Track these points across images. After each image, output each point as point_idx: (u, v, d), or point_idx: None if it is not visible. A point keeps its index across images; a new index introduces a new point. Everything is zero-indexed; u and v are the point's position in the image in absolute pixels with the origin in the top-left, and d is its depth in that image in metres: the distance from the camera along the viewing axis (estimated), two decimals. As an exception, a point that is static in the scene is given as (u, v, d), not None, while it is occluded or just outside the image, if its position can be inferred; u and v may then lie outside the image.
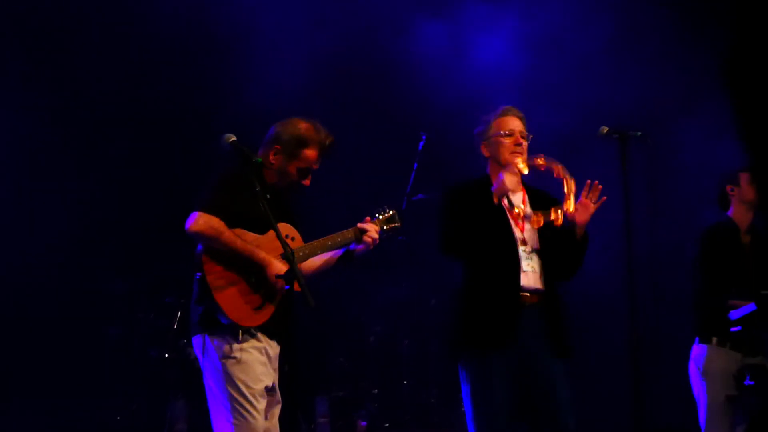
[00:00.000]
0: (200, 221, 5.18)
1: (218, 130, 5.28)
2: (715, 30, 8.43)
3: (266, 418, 5.32)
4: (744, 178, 6.91)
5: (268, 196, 5.23)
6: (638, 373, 5.59)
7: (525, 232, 5.67)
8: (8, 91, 9.12)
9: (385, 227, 5.70)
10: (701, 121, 8.89)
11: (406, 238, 9.59)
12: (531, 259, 5.63)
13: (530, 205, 5.75)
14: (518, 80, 9.31)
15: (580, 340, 5.85)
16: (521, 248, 5.62)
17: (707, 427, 6.74)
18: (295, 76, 9.57)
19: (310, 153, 5.40)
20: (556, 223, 5.60)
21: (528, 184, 5.82)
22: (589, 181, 5.63)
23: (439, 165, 9.36)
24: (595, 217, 5.67)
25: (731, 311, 6.63)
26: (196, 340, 5.30)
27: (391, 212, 5.76)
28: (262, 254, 5.22)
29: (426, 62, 9.57)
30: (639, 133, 5.84)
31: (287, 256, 5.06)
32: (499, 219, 5.64)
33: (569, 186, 5.63)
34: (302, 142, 5.39)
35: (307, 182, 5.44)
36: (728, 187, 6.93)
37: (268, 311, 5.25)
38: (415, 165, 9.42)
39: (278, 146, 5.40)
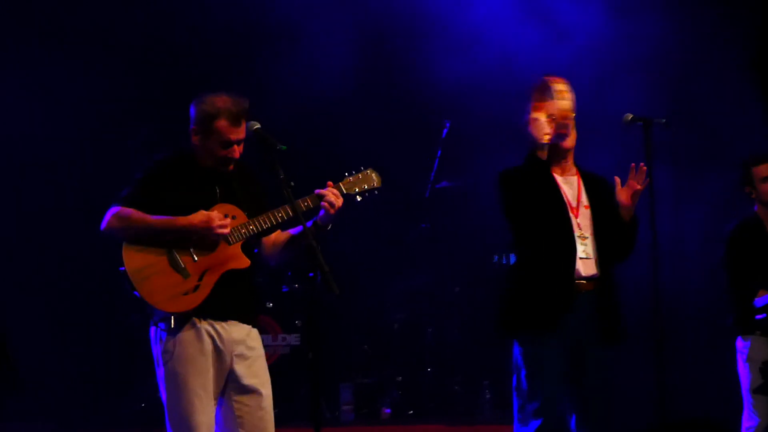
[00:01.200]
0: (109, 218, 5.11)
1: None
2: (747, 18, 8.41)
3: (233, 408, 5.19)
4: (757, 176, 6.82)
5: (292, 183, 5.07)
6: (662, 364, 5.57)
7: (579, 218, 5.67)
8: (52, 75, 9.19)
9: (356, 189, 5.38)
10: (730, 108, 8.85)
11: (430, 225, 9.59)
12: (586, 245, 5.64)
13: (585, 191, 5.74)
14: (544, 65, 9.24)
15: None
16: (576, 233, 5.63)
17: (744, 417, 6.73)
18: (324, 62, 9.61)
19: (221, 124, 5.14)
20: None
21: (583, 168, 5.81)
22: (633, 164, 5.61)
23: (463, 152, 9.38)
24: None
25: (756, 299, 6.62)
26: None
27: (366, 171, 5.45)
28: (181, 219, 5.07)
29: (448, 46, 9.53)
30: (663, 120, 5.82)
31: (309, 243, 4.95)
32: (557, 204, 5.64)
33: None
34: (210, 116, 5.15)
35: (234, 154, 5.21)
36: (746, 189, 6.88)
37: (204, 292, 5.09)
38: (439, 152, 9.42)
39: (194, 127, 5.22)
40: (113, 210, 5.11)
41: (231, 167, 5.27)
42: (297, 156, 5.30)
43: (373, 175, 5.46)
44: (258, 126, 5.14)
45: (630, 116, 5.75)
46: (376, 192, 5.46)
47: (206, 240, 5.11)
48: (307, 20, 9.63)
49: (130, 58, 9.63)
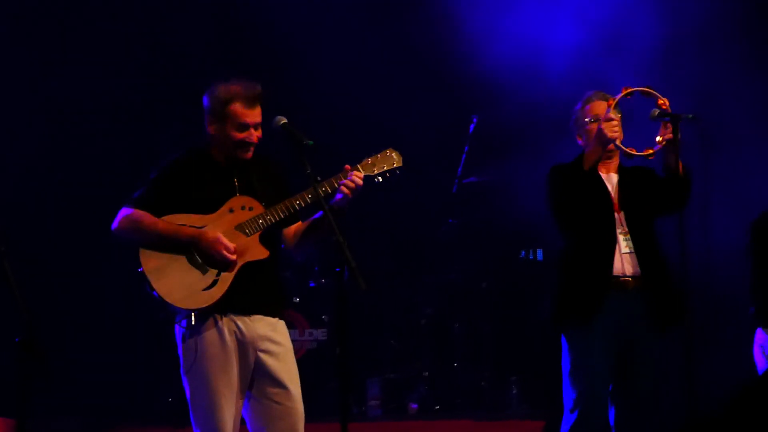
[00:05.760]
0: (120, 219, 5.13)
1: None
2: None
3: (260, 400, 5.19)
4: None
5: (319, 178, 5.09)
6: (691, 358, 5.56)
7: (622, 214, 5.79)
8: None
9: (375, 170, 5.30)
10: (755, 103, 8.80)
11: (458, 220, 9.58)
12: (629, 239, 5.73)
13: (621, 188, 5.83)
14: (568, 58, 9.21)
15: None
16: (619, 229, 5.74)
17: None
18: (351, 55, 9.62)
19: (236, 107, 5.16)
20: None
21: (623, 164, 5.89)
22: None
23: (491, 147, 9.37)
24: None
25: None
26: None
27: (386, 152, 5.36)
28: (189, 230, 5.06)
29: (476, 40, 9.50)
30: (691, 116, 5.80)
31: (338, 239, 4.82)
32: (602, 201, 5.75)
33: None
34: (225, 101, 5.16)
35: (252, 138, 5.20)
36: None
37: (223, 286, 5.07)
38: (466, 148, 9.40)
39: (210, 116, 5.23)
40: (125, 212, 5.13)
41: (249, 155, 5.24)
42: (322, 150, 5.29)
43: (394, 154, 5.38)
44: (285, 121, 5.09)
45: (656, 111, 5.73)
46: (397, 172, 5.38)
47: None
48: (337, 11, 9.66)
49: (153, 56, 9.71)
